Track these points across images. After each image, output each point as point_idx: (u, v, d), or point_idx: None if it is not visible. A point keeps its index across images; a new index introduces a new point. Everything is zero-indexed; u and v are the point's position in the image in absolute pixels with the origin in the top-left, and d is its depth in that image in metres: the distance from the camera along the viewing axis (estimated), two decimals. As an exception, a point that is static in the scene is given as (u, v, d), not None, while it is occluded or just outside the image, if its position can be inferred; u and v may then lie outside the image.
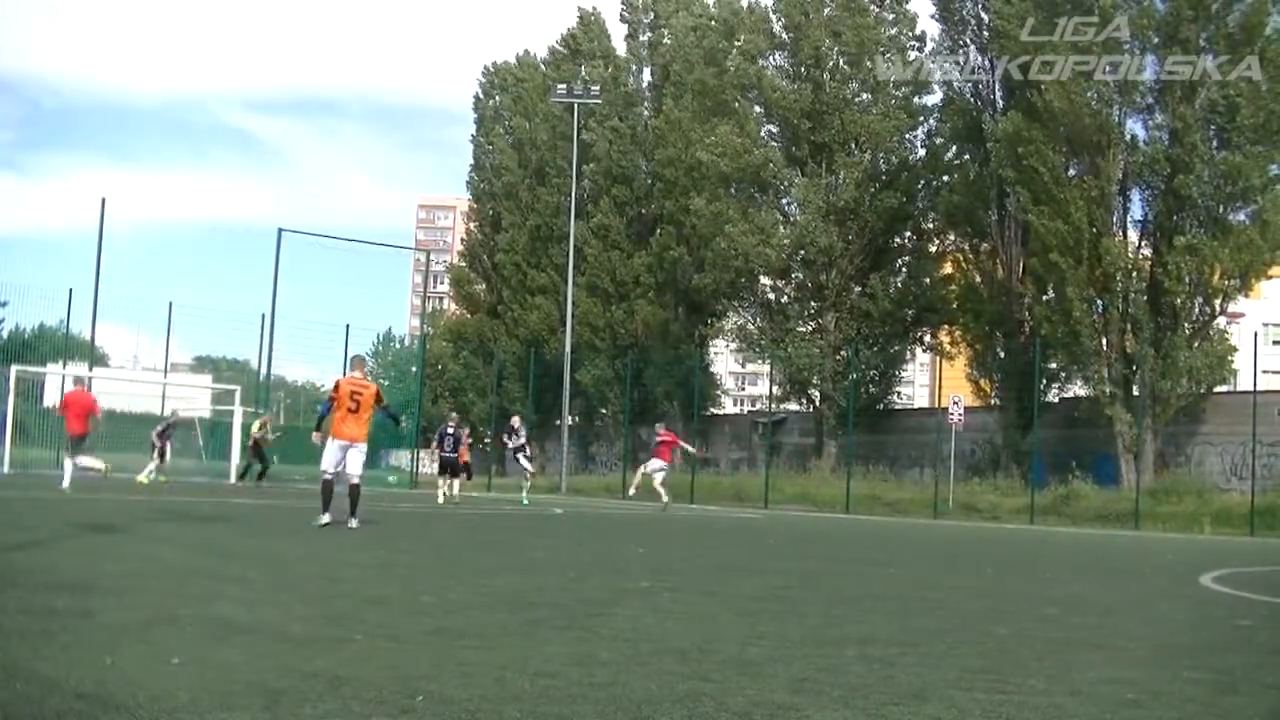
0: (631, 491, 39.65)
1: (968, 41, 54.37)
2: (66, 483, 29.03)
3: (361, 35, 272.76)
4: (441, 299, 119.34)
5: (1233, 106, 44.36)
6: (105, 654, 6.51)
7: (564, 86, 68.33)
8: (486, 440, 68.20)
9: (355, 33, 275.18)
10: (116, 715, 5.19)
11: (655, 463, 39.49)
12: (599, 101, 67.81)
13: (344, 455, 19.62)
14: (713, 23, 65.30)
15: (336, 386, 20.09)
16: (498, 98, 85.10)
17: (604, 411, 70.63)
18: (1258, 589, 15.85)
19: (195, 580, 10.93)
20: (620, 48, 75.98)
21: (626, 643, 8.23)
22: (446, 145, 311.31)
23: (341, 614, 8.90)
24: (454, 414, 42.66)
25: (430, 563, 14.96)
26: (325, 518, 18.99)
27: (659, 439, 40.20)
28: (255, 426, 44.53)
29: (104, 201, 50.50)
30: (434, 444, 38.69)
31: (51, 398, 58.57)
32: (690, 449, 45.29)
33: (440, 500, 35.60)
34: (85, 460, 30.96)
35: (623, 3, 74.41)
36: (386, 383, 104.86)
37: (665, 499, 38.72)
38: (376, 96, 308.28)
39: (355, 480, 19.60)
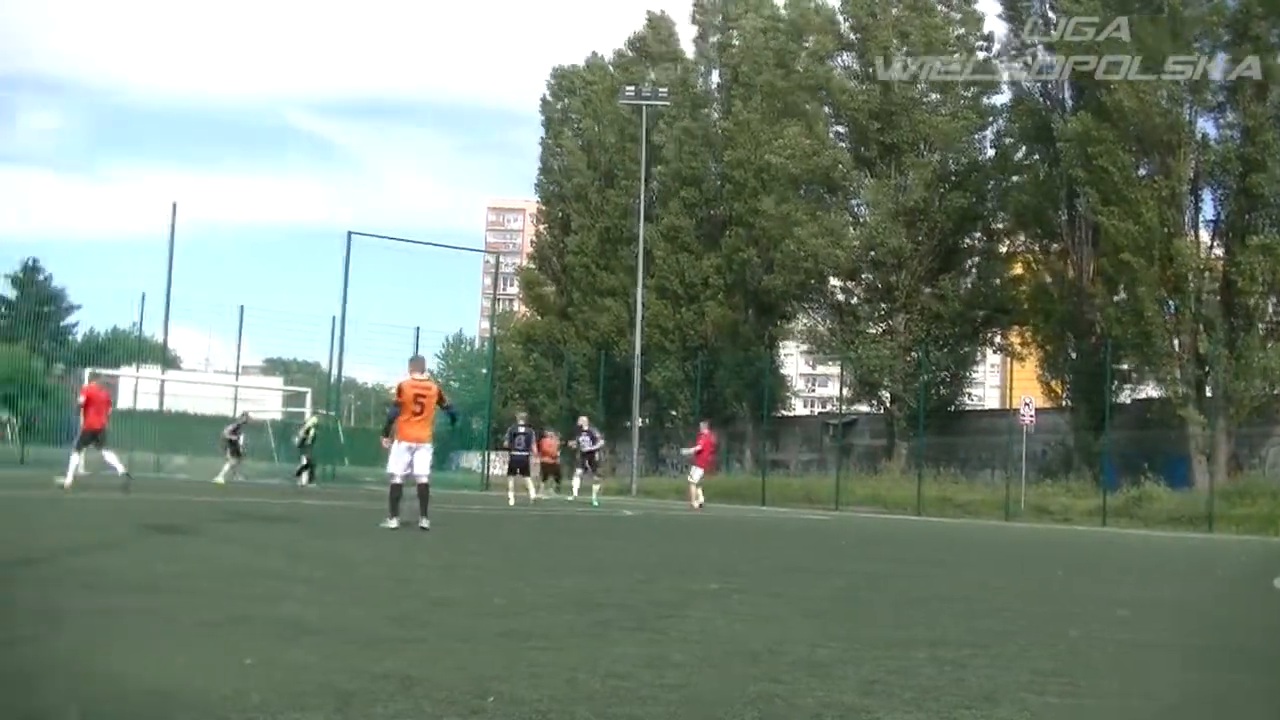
0: (696, 505, 39.63)
1: (1035, 41, 54.07)
2: (69, 479, 28.41)
3: (430, 39, 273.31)
4: (511, 301, 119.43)
5: (1308, 103, 44.05)
6: (177, 653, 6.63)
7: (632, 89, 68.33)
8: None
9: (424, 37, 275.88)
10: (189, 714, 5.30)
11: (697, 472, 39.74)
12: (667, 104, 67.83)
13: (411, 457, 19.63)
14: (780, 24, 65.07)
15: (400, 390, 20.07)
16: (566, 100, 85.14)
17: (674, 413, 70.64)
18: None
19: (265, 581, 11.08)
20: (689, 49, 75.97)
21: (697, 644, 8.27)
22: (514, 148, 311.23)
23: (411, 615, 8.99)
24: (523, 414, 42.49)
25: (500, 564, 15.02)
26: (393, 522, 19.00)
27: (698, 444, 40.37)
28: (306, 427, 44.76)
29: (175, 206, 51.04)
30: (505, 444, 38.64)
31: (124, 400, 59.26)
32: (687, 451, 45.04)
33: (511, 502, 35.51)
34: (110, 458, 30.72)
35: (694, 5, 74.38)
36: (457, 385, 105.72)
37: (698, 501, 38.92)
38: (445, 100, 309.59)
39: (424, 480, 19.57)
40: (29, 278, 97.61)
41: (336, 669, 6.41)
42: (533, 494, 36.92)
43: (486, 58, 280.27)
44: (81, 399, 31.02)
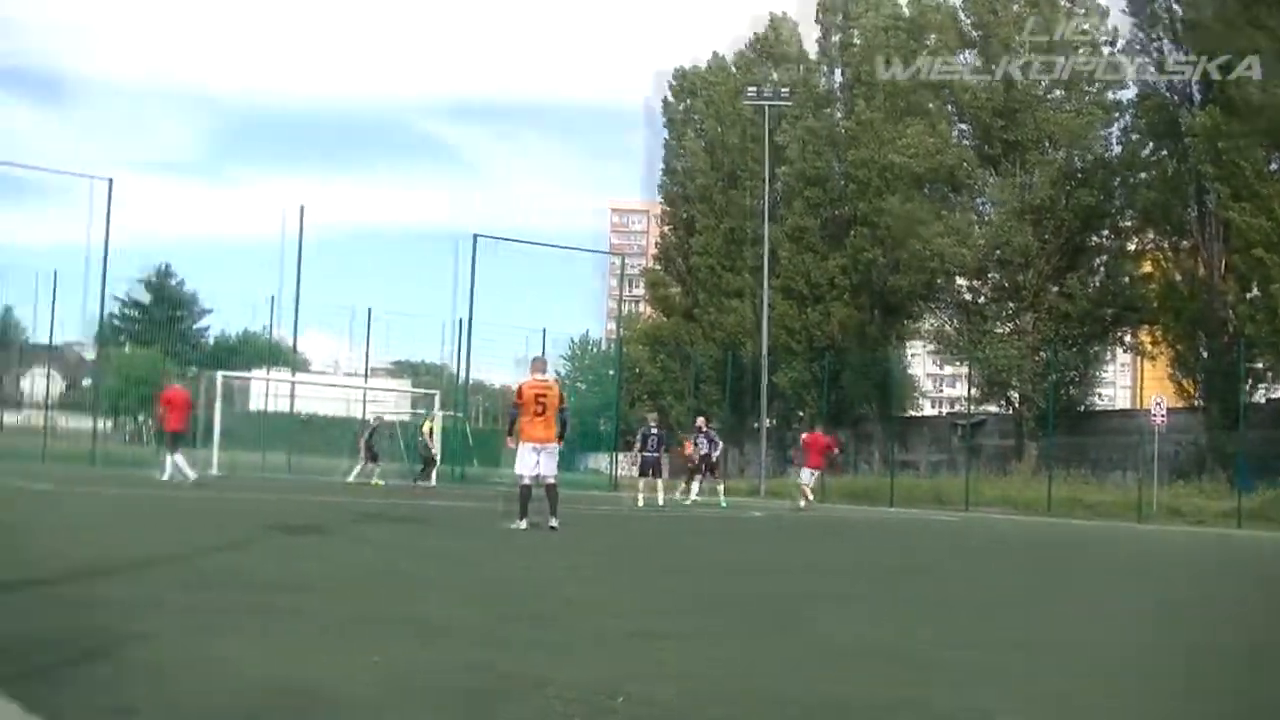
0: (802, 504, 39.65)
1: (1160, 35, 53.43)
2: (167, 474, 29.24)
3: (551, 42, 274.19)
4: (636, 303, 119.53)
5: None
6: (309, 652, 6.82)
7: (754, 89, 68.31)
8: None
9: (545, 40, 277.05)
10: (320, 712, 5.46)
11: (806, 473, 39.77)
12: (790, 104, 67.69)
13: (538, 457, 19.72)
14: (901, 23, 64.74)
15: (519, 391, 20.16)
16: (688, 101, 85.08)
17: (801, 414, 70.51)
18: None
19: (396, 581, 11.37)
20: (811, 50, 75.68)
21: (828, 645, 8.41)
22: (636, 150, 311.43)
23: (541, 615, 9.12)
24: (654, 415, 42.55)
25: (628, 564, 15.20)
26: (522, 523, 19.09)
27: (807, 443, 40.54)
28: (425, 427, 45.08)
29: (302, 209, 51.57)
30: (635, 445, 38.71)
31: (256, 403, 60.15)
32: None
33: (640, 503, 35.82)
34: (181, 462, 31.07)
35: (818, 4, 74.14)
36: (584, 386, 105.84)
37: (806, 501, 38.94)
38: (567, 103, 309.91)
39: (551, 480, 19.72)
40: (161, 282, 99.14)
41: (466, 668, 6.56)
42: (660, 497, 36.95)
43: (607, 60, 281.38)
44: (161, 401, 31.39)
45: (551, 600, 10.22)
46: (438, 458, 44.58)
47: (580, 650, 7.46)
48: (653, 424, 38.39)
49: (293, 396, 56.39)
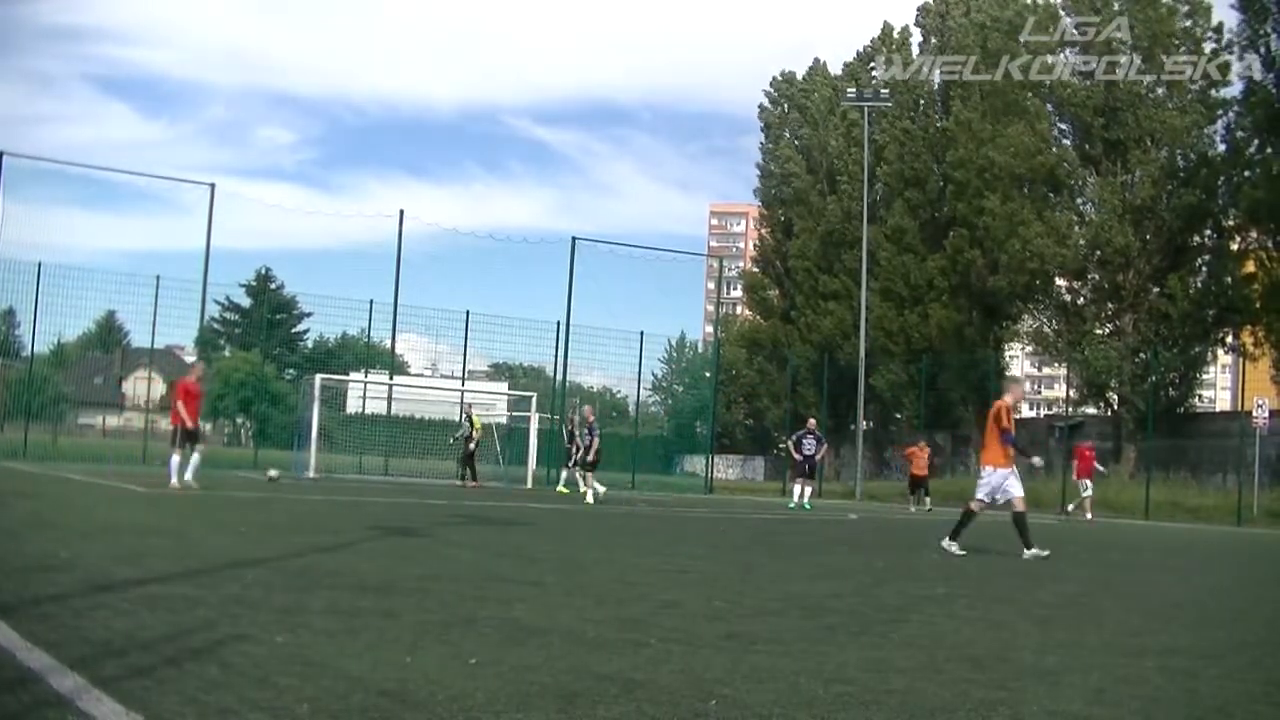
0: (1071, 507, 40.34)
1: (1268, 30, 52.67)
2: (190, 476, 26.19)
3: (649, 44, 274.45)
4: (734, 305, 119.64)
5: None
6: (406, 653, 6.78)
7: (853, 90, 68.12)
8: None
9: (644, 42, 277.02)
10: (416, 712, 5.39)
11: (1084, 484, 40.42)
12: (889, 104, 67.43)
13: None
14: (995, 20, 64.16)
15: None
16: (785, 106, 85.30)
17: (899, 416, 70.21)
18: None
19: (492, 583, 11.23)
20: (915, 51, 75.39)
21: (921, 649, 8.28)
22: (734, 153, 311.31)
23: (636, 618, 9.03)
24: (812, 419, 42.60)
25: (723, 568, 14.97)
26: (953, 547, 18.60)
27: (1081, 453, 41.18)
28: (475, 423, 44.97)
29: (402, 213, 51.71)
30: (792, 448, 39.12)
31: (354, 405, 60.55)
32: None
33: (792, 504, 37.42)
34: (178, 463, 27.71)
35: (918, 8, 73.97)
36: (680, 389, 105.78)
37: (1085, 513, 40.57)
38: (665, 105, 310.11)
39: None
40: (262, 286, 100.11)
41: (562, 670, 6.52)
42: (796, 497, 37.80)
43: (707, 62, 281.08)
44: (178, 393, 28.35)
45: (647, 603, 10.08)
46: (474, 453, 44.45)
47: (673, 653, 7.38)
48: (812, 427, 39.15)
49: (390, 399, 56.73)
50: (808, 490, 39.15)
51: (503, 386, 75.89)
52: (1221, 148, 57.34)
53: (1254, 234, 55.85)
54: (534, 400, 51.70)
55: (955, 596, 12.41)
